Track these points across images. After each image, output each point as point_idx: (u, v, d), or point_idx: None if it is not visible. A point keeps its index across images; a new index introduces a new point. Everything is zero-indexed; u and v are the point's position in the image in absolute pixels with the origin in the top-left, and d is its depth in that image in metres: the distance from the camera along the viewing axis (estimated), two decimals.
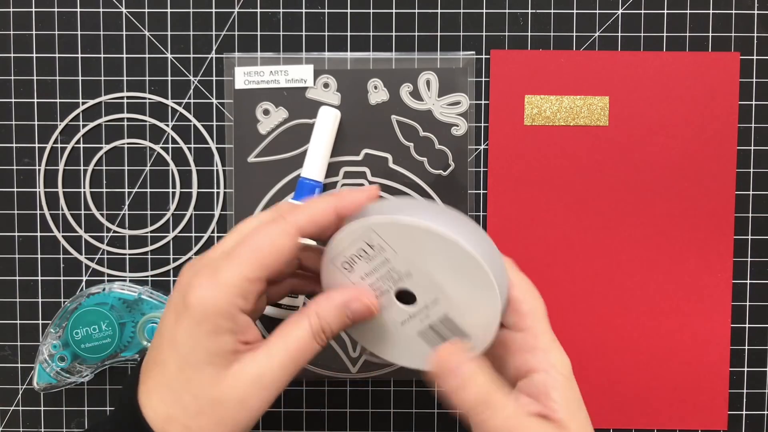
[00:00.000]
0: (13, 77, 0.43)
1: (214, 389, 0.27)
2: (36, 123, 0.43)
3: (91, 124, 0.43)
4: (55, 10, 0.43)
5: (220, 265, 0.28)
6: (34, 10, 0.43)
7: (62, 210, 0.43)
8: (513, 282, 0.30)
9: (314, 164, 0.41)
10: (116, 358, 0.41)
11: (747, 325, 0.43)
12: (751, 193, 0.43)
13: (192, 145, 0.43)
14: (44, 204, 0.43)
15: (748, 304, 0.43)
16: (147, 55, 0.43)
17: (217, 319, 0.27)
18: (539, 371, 0.29)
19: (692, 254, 0.43)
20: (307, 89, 0.42)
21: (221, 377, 0.28)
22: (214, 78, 0.43)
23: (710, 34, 0.43)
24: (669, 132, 0.43)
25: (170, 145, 0.43)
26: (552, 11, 0.43)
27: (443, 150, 0.43)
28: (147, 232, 0.43)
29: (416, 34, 0.43)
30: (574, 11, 0.43)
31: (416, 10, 0.43)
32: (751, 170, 0.43)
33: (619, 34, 0.43)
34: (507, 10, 0.43)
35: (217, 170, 0.43)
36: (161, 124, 0.43)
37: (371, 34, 0.43)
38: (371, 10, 0.43)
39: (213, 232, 0.43)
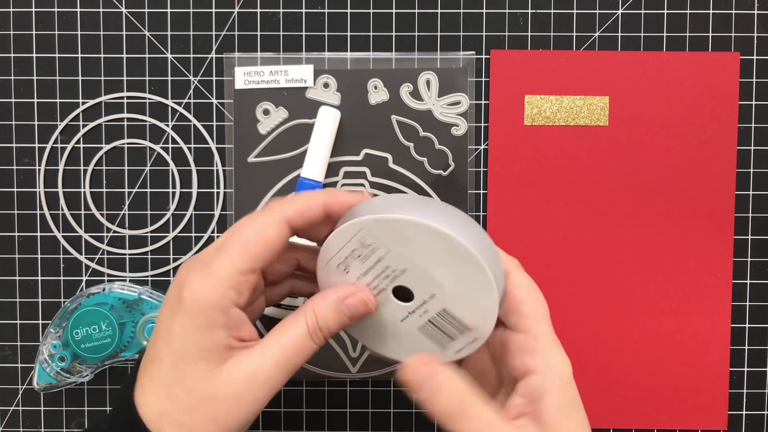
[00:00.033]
0: (13, 77, 0.43)
1: (208, 385, 0.27)
2: (36, 123, 0.43)
3: (91, 124, 0.43)
4: (55, 10, 0.43)
5: (211, 260, 0.28)
6: (34, 10, 0.43)
7: (62, 210, 0.43)
8: (516, 282, 0.30)
9: (314, 164, 0.41)
10: (116, 358, 0.41)
11: (747, 325, 0.43)
12: (751, 193, 0.43)
13: (192, 145, 0.43)
14: (44, 204, 0.43)
15: (748, 304, 0.43)
16: (147, 55, 0.43)
17: (210, 313, 0.27)
18: (536, 373, 0.29)
19: (692, 254, 0.43)
20: (307, 89, 0.42)
21: (215, 373, 0.28)
22: (214, 78, 0.43)
23: (710, 34, 0.43)
24: (669, 132, 0.43)
25: (170, 145, 0.43)
26: (552, 11, 0.43)
27: (443, 150, 0.43)
28: (147, 232, 0.43)
29: (416, 34, 0.43)
30: (574, 11, 0.43)
31: (416, 10, 0.43)
32: (751, 170, 0.43)
33: (619, 34, 0.43)
34: (507, 10, 0.43)
35: (217, 170, 0.43)
36: (161, 124, 0.43)
37: (371, 34, 0.43)
38: (371, 10, 0.43)
39: (213, 232, 0.43)
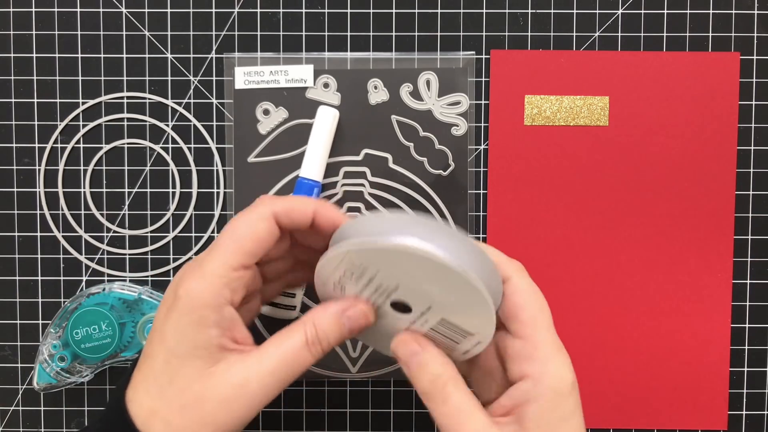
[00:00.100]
0: (13, 77, 0.43)
1: (199, 385, 0.27)
2: (36, 123, 0.43)
3: (91, 124, 0.43)
4: (55, 10, 0.43)
5: (204, 258, 0.29)
6: (34, 10, 0.43)
7: (62, 210, 0.43)
8: (516, 287, 0.30)
9: (313, 164, 0.41)
10: (116, 358, 0.41)
11: (747, 325, 0.43)
12: (751, 193, 0.43)
13: (192, 145, 0.43)
14: (44, 204, 0.43)
15: (748, 304, 0.43)
16: (147, 55, 0.43)
17: (203, 311, 0.27)
18: (528, 380, 0.28)
19: (692, 254, 0.43)
20: (307, 89, 0.42)
21: (207, 373, 0.27)
22: (214, 78, 0.43)
23: (710, 34, 0.43)
24: (669, 132, 0.43)
25: (170, 145, 0.43)
26: (552, 11, 0.43)
27: (443, 150, 0.43)
28: (147, 232, 0.43)
29: (416, 34, 0.43)
30: (574, 11, 0.43)
31: (416, 10, 0.43)
32: (751, 170, 0.43)
33: (619, 34, 0.43)
34: (507, 10, 0.43)
35: (217, 170, 0.43)
36: (161, 124, 0.43)
37: (371, 34, 0.43)
38: (371, 10, 0.43)
39: (213, 232, 0.43)
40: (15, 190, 0.43)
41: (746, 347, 0.43)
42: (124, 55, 0.43)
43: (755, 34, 0.43)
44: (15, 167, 0.43)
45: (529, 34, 0.43)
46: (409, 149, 0.43)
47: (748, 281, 0.43)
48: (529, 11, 0.43)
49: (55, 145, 0.43)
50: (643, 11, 0.43)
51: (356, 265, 0.29)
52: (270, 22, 0.43)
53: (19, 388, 0.43)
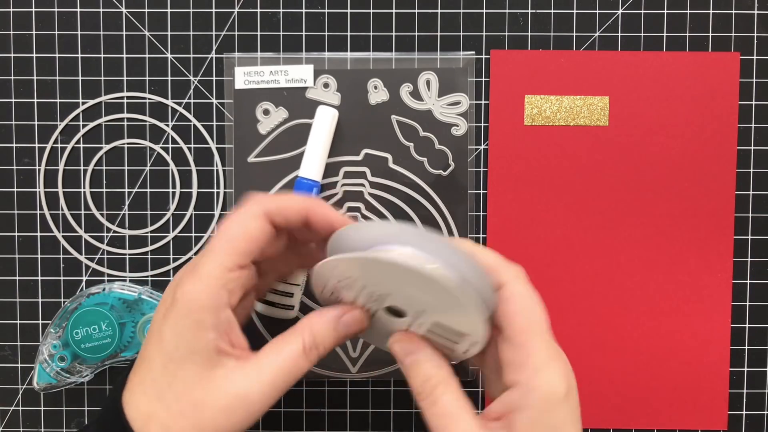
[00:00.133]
0: (13, 77, 0.43)
1: (198, 391, 0.27)
2: (36, 123, 0.43)
3: (91, 124, 0.43)
4: (55, 10, 0.43)
5: (199, 261, 0.29)
6: (34, 10, 0.43)
7: (62, 210, 0.43)
8: (511, 294, 0.29)
9: (312, 164, 0.41)
10: (116, 358, 0.41)
11: (747, 325, 0.43)
12: (751, 193, 0.43)
13: (192, 145, 0.43)
14: (44, 204, 0.43)
15: (748, 304, 0.43)
16: (147, 55, 0.43)
17: (200, 314, 0.27)
18: (518, 387, 0.28)
19: (692, 254, 0.43)
20: (307, 89, 0.42)
21: (206, 378, 0.27)
22: (214, 78, 0.43)
23: (710, 34, 0.43)
24: (669, 132, 0.43)
25: (170, 145, 0.43)
26: (552, 11, 0.43)
27: (443, 150, 0.43)
28: (147, 232, 0.43)
29: (416, 34, 0.43)
30: (574, 11, 0.43)
31: (416, 10, 0.43)
32: (751, 170, 0.43)
33: (619, 34, 0.43)
34: (507, 10, 0.43)
35: (217, 170, 0.43)
36: (161, 124, 0.43)
37: (371, 34, 0.43)
38: (371, 10, 0.43)
39: (213, 232, 0.43)
40: (15, 190, 0.43)
41: (746, 347, 0.43)
42: (124, 55, 0.43)
43: (755, 34, 0.43)
44: (15, 167, 0.43)
45: (529, 34, 0.43)
46: (409, 149, 0.43)
47: (748, 281, 0.43)
48: (529, 11, 0.43)
49: (55, 145, 0.43)
50: (643, 11, 0.43)
51: (347, 276, 0.29)
52: (270, 22, 0.43)
53: (19, 388, 0.43)
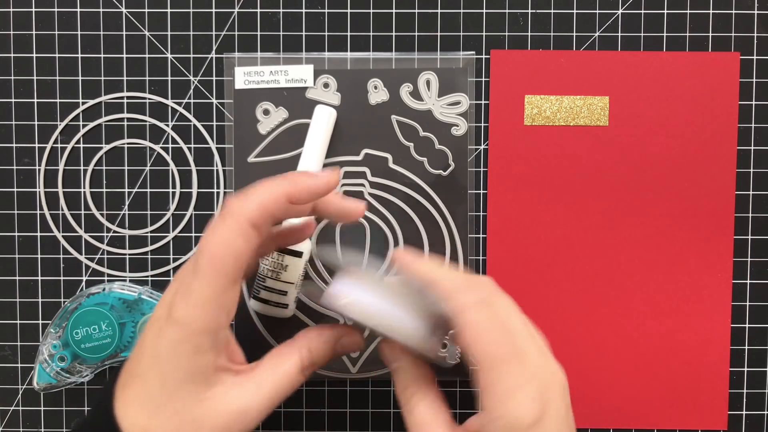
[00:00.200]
0: (13, 77, 0.43)
1: (197, 409, 0.27)
2: (36, 123, 0.43)
3: (91, 124, 0.43)
4: (55, 10, 0.43)
5: (192, 283, 0.28)
6: (34, 10, 0.43)
7: (62, 210, 0.43)
8: (466, 323, 0.28)
9: (310, 163, 0.41)
10: (116, 358, 0.41)
11: (747, 325, 0.43)
12: (751, 193, 0.43)
13: (192, 145, 0.43)
14: (44, 204, 0.43)
15: (748, 304, 0.43)
16: (147, 55, 0.43)
17: (199, 338, 0.27)
18: (484, 413, 0.28)
19: (692, 254, 0.43)
20: (307, 89, 0.42)
21: (203, 397, 0.28)
22: (214, 78, 0.43)
23: (710, 34, 0.43)
24: (669, 132, 0.43)
25: (170, 145, 0.43)
26: (552, 11, 0.43)
27: (443, 150, 0.43)
28: (147, 232, 0.43)
29: (416, 34, 0.43)
30: (574, 11, 0.43)
31: (416, 10, 0.43)
32: (751, 170, 0.43)
33: (619, 34, 0.43)
34: (507, 10, 0.43)
35: (217, 170, 0.43)
36: (161, 124, 0.43)
37: (371, 34, 0.43)
38: (371, 10, 0.43)
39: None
40: (15, 190, 0.43)
41: (746, 347, 0.43)
42: (124, 55, 0.43)
43: (755, 34, 0.43)
44: (15, 167, 0.43)
45: (529, 34, 0.43)
46: (409, 149, 0.43)
47: (748, 281, 0.43)
48: (529, 11, 0.43)
49: (55, 145, 0.43)
50: (643, 11, 0.43)
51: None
52: (270, 22, 0.43)
53: (19, 388, 0.43)
